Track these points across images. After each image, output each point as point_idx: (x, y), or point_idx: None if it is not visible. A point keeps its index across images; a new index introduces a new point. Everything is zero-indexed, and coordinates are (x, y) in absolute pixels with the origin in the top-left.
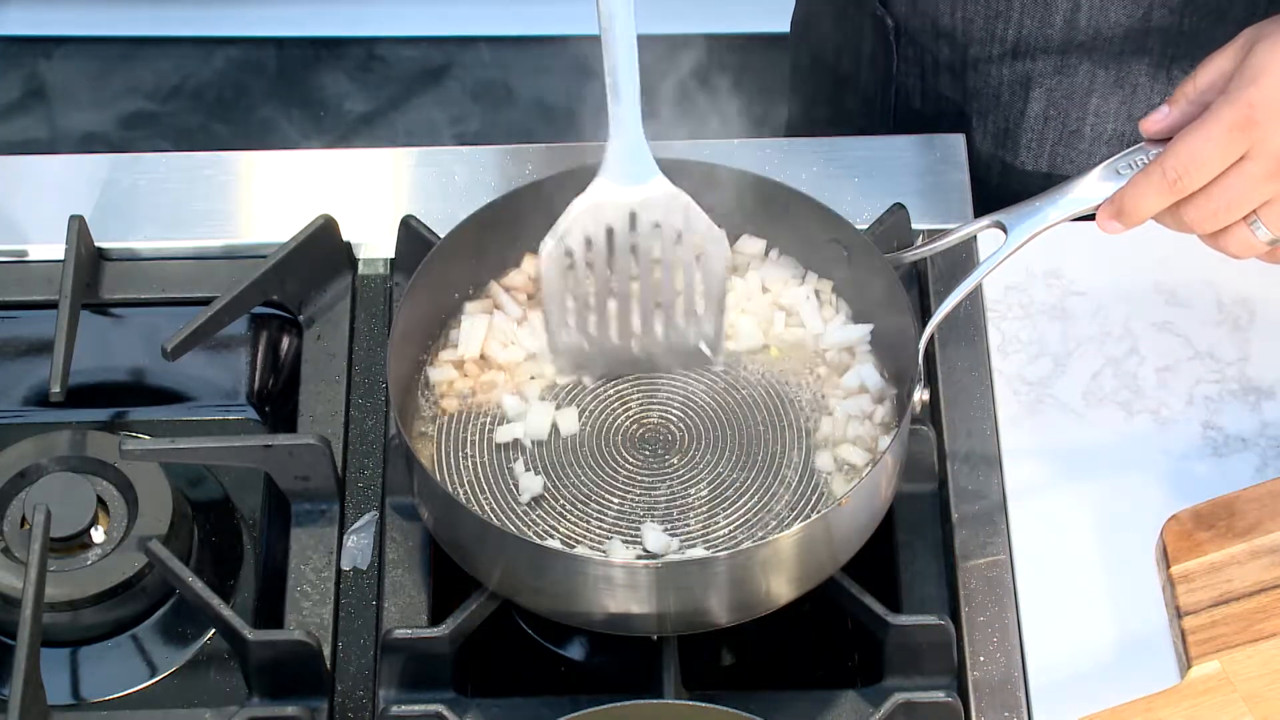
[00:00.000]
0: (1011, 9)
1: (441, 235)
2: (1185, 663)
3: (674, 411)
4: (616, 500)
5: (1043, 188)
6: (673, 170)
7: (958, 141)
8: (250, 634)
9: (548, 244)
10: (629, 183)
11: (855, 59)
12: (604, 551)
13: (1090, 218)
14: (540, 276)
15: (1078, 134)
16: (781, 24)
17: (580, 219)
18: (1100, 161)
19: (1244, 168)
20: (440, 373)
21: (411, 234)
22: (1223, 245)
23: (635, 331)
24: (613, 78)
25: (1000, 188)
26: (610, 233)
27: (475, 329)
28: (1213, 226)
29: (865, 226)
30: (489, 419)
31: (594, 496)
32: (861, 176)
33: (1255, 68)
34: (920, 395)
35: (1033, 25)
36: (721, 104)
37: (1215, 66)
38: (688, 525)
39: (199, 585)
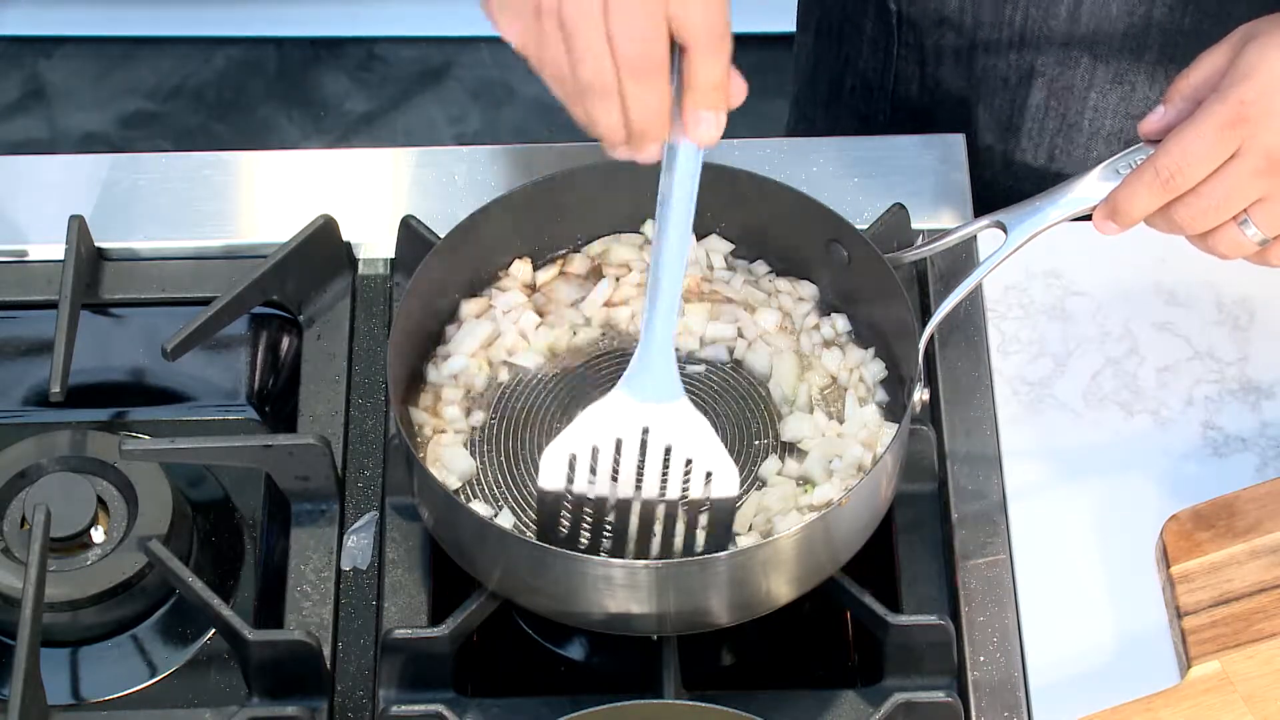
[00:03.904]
0: None
1: (441, 235)
2: (1185, 663)
3: None
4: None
5: (1042, 179)
6: None
7: (958, 141)
8: (250, 634)
9: (550, 448)
10: (647, 399)
11: (857, 43)
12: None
13: (1090, 217)
14: (539, 477)
15: (1076, 127)
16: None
17: (589, 426)
18: (1099, 160)
19: (1235, 165)
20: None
21: (411, 234)
22: (1212, 245)
23: (630, 538)
24: (653, 288)
25: (1000, 178)
26: (619, 444)
27: (474, 332)
28: (1204, 226)
29: (865, 226)
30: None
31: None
32: (861, 176)
33: (1247, 65)
34: (920, 395)
35: (1037, 15)
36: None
37: (1209, 64)
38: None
39: (199, 585)
